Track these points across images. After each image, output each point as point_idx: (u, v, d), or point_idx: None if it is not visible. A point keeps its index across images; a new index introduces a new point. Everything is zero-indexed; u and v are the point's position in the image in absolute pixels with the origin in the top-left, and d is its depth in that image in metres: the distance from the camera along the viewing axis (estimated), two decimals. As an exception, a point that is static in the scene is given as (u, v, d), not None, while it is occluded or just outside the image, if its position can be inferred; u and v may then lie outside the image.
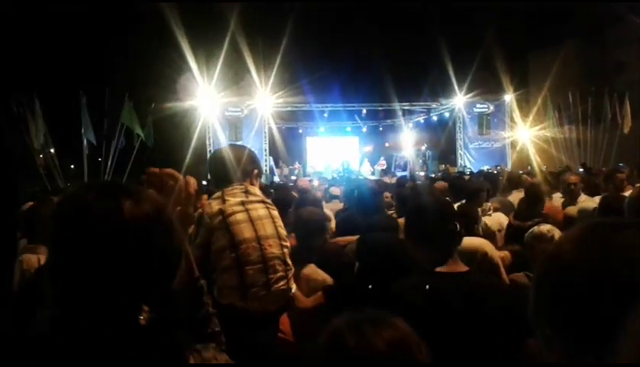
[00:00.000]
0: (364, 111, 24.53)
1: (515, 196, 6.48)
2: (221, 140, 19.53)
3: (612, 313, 0.74)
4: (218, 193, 2.99)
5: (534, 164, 18.52)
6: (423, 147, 26.11)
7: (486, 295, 2.14)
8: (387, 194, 6.38)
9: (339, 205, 6.77)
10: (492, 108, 23.35)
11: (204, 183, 8.92)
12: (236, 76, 20.63)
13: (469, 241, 3.16)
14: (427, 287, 2.17)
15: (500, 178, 8.67)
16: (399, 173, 21.23)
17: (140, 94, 18.88)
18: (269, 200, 3.19)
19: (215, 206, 2.91)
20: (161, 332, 1.07)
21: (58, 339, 1.00)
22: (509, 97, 23.39)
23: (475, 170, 18.72)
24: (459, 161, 23.61)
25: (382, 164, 25.51)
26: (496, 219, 5.30)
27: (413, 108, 24.94)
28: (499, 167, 19.59)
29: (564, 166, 16.99)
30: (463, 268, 2.27)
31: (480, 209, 5.21)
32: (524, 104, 24.60)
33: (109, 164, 17.61)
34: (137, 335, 1.04)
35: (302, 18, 21.80)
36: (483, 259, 3.48)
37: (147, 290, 1.08)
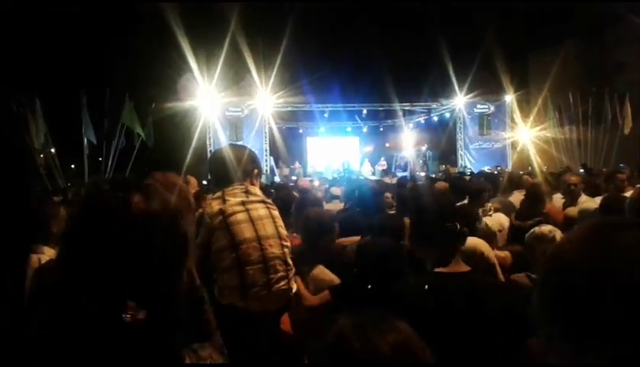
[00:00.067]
0: (365, 111, 24.53)
1: (516, 197, 6.49)
2: (221, 140, 19.52)
3: (613, 313, 0.74)
4: (218, 193, 2.99)
5: (535, 165, 18.51)
6: (423, 148, 26.10)
7: (488, 295, 2.14)
8: (388, 194, 6.38)
9: (339, 205, 6.77)
10: (492, 108, 23.35)
11: (204, 182, 8.93)
12: (236, 76, 20.63)
13: (467, 241, 3.17)
14: (425, 287, 2.17)
15: (501, 179, 8.67)
16: (400, 174, 21.22)
17: (141, 94, 18.89)
18: (269, 200, 3.19)
19: (216, 206, 2.91)
20: (156, 331, 1.07)
21: (53, 337, 1.00)
22: (510, 97, 23.38)
23: (475, 171, 18.71)
24: (459, 162, 23.61)
25: (382, 164, 25.51)
26: (497, 220, 5.30)
27: (414, 108, 24.94)
28: (499, 168, 19.58)
29: (564, 166, 16.98)
30: (465, 268, 2.27)
31: (481, 210, 5.22)
32: (524, 104, 24.59)
33: (110, 163, 17.62)
34: (125, 332, 1.04)
35: (303, 18, 21.80)
36: (480, 259, 3.48)
37: (147, 287, 1.08)
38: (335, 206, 6.69)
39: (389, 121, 27.56)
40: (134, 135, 18.06)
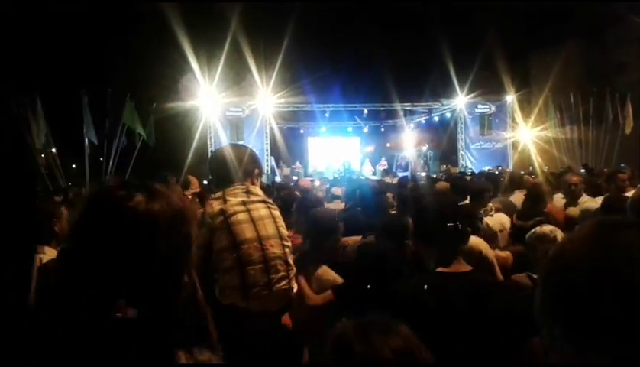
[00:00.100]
0: (366, 111, 24.54)
1: (517, 197, 6.48)
2: (222, 140, 19.52)
3: (614, 313, 0.74)
4: (219, 193, 2.99)
5: (536, 165, 18.51)
6: (424, 148, 26.10)
7: (489, 295, 2.14)
8: (388, 194, 6.38)
9: (340, 205, 6.77)
10: (493, 108, 23.33)
11: (205, 182, 8.94)
12: (237, 76, 20.65)
13: (466, 240, 3.18)
14: (425, 287, 2.17)
15: (502, 179, 8.67)
16: (401, 174, 21.21)
17: (142, 94, 18.90)
18: (270, 200, 3.19)
19: (217, 206, 2.91)
20: (150, 330, 1.07)
21: (52, 336, 1.00)
22: (511, 97, 23.37)
23: (476, 171, 18.71)
24: (460, 162, 23.60)
25: (383, 164, 25.52)
26: (498, 220, 5.30)
27: (414, 108, 24.94)
28: (500, 168, 19.57)
29: (565, 167, 16.97)
30: (467, 268, 2.27)
31: (482, 210, 5.22)
32: (525, 104, 24.58)
33: (111, 163, 17.63)
34: (117, 329, 1.04)
35: (303, 18, 21.81)
36: (478, 257, 3.49)
37: (145, 286, 1.08)
38: (336, 206, 6.69)
39: (390, 121, 27.56)
40: (135, 135, 18.07)
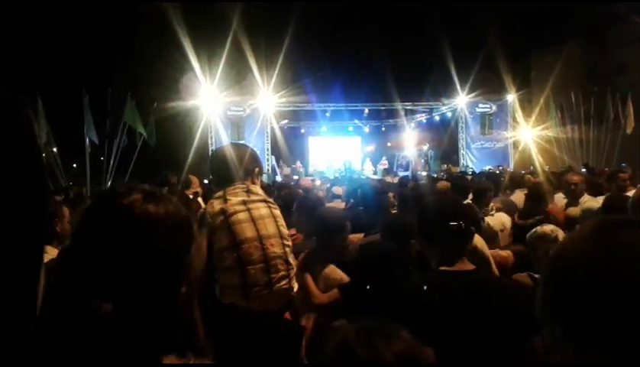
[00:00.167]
0: (366, 110, 24.54)
1: (518, 196, 6.49)
2: (223, 139, 19.52)
3: (615, 313, 0.74)
4: (219, 193, 2.99)
5: (537, 164, 18.50)
6: (425, 147, 26.09)
7: (492, 294, 2.14)
8: (390, 194, 6.38)
9: (341, 204, 6.77)
10: (494, 108, 23.32)
11: (205, 182, 8.94)
12: (238, 76, 20.65)
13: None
14: (424, 287, 2.17)
15: (502, 179, 8.67)
16: (401, 173, 21.22)
17: (143, 93, 18.92)
18: (270, 199, 3.19)
19: (217, 205, 2.91)
20: (134, 329, 1.08)
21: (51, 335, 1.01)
22: (512, 97, 23.36)
23: (477, 170, 18.71)
24: (461, 161, 23.59)
25: (384, 163, 25.52)
26: (499, 219, 5.30)
27: (415, 107, 24.94)
28: (501, 167, 19.57)
29: (566, 166, 16.97)
30: (470, 267, 2.27)
31: (483, 209, 5.22)
32: (526, 104, 24.57)
33: (112, 162, 17.63)
34: (114, 330, 1.05)
35: (304, 18, 21.82)
36: (474, 253, 3.48)
37: (139, 287, 1.09)
38: (337, 206, 6.69)
39: (390, 120, 27.55)
40: (136, 134, 18.07)
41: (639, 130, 21.09)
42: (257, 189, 3.09)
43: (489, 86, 23.03)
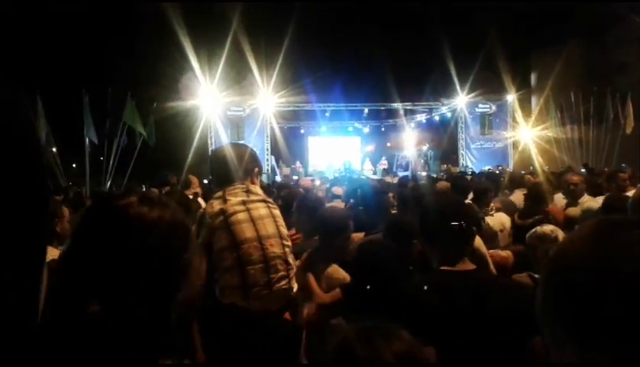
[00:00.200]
0: (366, 110, 24.54)
1: (517, 196, 6.49)
2: (223, 139, 19.53)
3: (615, 313, 0.74)
4: (219, 193, 2.99)
5: (537, 164, 18.50)
6: (425, 147, 26.10)
7: (493, 293, 2.14)
8: (390, 194, 6.38)
9: (341, 205, 6.77)
10: (494, 108, 23.34)
11: (205, 181, 8.94)
12: (238, 76, 20.66)
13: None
14: (424, 287, 2.17)
15: (502, 179, 8.68)
16: (401, 173, 21.22)
17: (143, 93, 18.90)
18: (270, 199, 3.19)
19: (217, 205, 2.91)
20: (138, 333, 1.08)
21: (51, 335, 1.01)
22: (511, 97, 23.37)
23: (477, 170, 18.72)
24: (461, 161, 23.60)
25: (383, 163, 25.53)
26: (498, 219, 5.30)
27: (415, 107, 24.97)
28: (500, 167, 19.58)
29: (566, 166, 16.97)
30: (470, 267, 2.27)
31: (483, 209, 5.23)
32: (526, 104, 24.59)
33: (111, 163, 17.62)
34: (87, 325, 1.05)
35: (304, 18, 21.81)
36: (472, 252, 3.48)
37: (132, 289, 1.09)
38: (337, 206, 6.69)
39: (390, 120, 27.56)
40: (135, 134, 18.06)
41: (639, 130, 21.08)
42: (257, 189, 3.09)
43: (488, 86, 23.04)
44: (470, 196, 5.69)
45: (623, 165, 12.75)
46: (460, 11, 27.83)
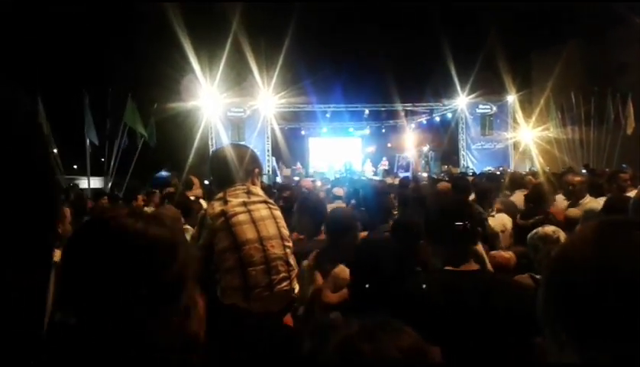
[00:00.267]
0: (367, 111, 24.55)
1: (518, 197, 6.48)
2: (223, 140, 19.54)
3: (615, 313, 0.74)
4: (220, 194, 2.99)
5: (537, 165, 18.50)
6: (425, 148, 26.12)
7: (499, 293, 2.14)
8: (391, 195, 6.38)
9: (342, 205, 6.77)
10: (494, 108, 23.35)
11: (206, 182, 8.95)
12: (238, 77, 20.66)
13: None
14: (423, 286, 2.18)
15: (502, 180, 8.67)
16: (402, 174, 21.22)
17: (143, 94, 18.89)
18: (271, 200, 3.19)
19: (218, 207, 2.91)
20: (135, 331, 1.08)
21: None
22: (512, 98, 23.37)
23: (477, 171, 18.71)
24: (461, 162, 23.60)
25: (384, 164, 25.53)
26: (500, 220, 5.30)
27: (416, 108, 24.96)
28: (501, 168, 19.58)
29: (566, 167, 16.97)
30: (475, 267, 2.27)
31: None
32: (526, 105, 24.56)
33: (112, 163, 17.62)
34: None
35: (304, 19, 21.80)
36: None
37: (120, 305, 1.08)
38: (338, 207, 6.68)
39: (391, 121, 27.57)
40: (136, 135, 18.07)
41: (639, 131, 21.08)
42: (258, 190, 3.09)
43: (489, 86, 23.05)
44: (472, 197, 5.69)
45: (624, 166, 12.76)
46: (461, 12, 27.83)
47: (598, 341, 0.77)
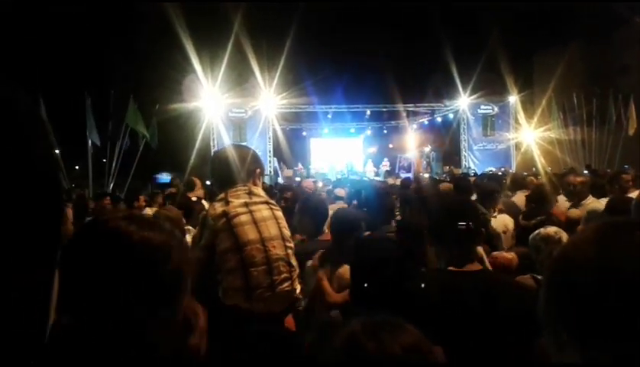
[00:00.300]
0: (368, 112, 24.55)
1: (519, 197, 6.47)
2: (225, 141, 19.53)
3: (616, 313, 0.75)
4: (221, 195, 2.99)
5: (539, 166, 18.49)
6: (427, 149, 26.11)
7: (501, 293, 2.14)
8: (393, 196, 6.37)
9: (343, 206, 6.76)
10: (496, 109, 23.32)
11: (208, 183, 8.96)
12: (240, 78, 20.69)
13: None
14: (422, 285, 2.18)
15: (504, 181, 8.66)
16: (403, 175, 21.21)
17: (145, 95, 18.95)
18: (272, 201, 3.19)
19: (219, 207, 2.91)
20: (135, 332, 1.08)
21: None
22: (514, 98, 23.35)
23: (479, 172, 18.70)
24: (463, 163, 23.58)
25: (385, 164, 25.52)
26: (501, 221, 5.29)
27: (417, 109, 24.94)
28: (503, 169, 19.56)
29: (568, 167, 16.95)
30: (477, 267, 2.27)
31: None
32: (528, 105, 24.55)
33: (114, 165, 17.64)
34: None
35: (306, 20, 21.84)
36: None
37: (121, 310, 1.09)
38: (339, 207, 6.67)
39: (392, 122, 27.56)
40: (138, 136, 18.09)
41: (641, 131, 21.07)
42: (259, 190, 3.09)
43: (491, 87, 23.03)
44: (473, 197, 5.68)
45: (626, 166, 12.76)
46: (463, 13, 27.85)
47: (599, 341, 0.77)
